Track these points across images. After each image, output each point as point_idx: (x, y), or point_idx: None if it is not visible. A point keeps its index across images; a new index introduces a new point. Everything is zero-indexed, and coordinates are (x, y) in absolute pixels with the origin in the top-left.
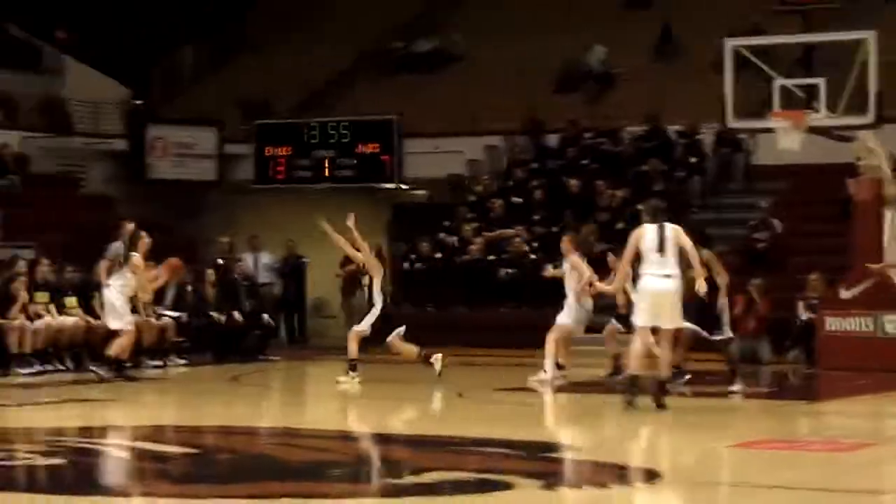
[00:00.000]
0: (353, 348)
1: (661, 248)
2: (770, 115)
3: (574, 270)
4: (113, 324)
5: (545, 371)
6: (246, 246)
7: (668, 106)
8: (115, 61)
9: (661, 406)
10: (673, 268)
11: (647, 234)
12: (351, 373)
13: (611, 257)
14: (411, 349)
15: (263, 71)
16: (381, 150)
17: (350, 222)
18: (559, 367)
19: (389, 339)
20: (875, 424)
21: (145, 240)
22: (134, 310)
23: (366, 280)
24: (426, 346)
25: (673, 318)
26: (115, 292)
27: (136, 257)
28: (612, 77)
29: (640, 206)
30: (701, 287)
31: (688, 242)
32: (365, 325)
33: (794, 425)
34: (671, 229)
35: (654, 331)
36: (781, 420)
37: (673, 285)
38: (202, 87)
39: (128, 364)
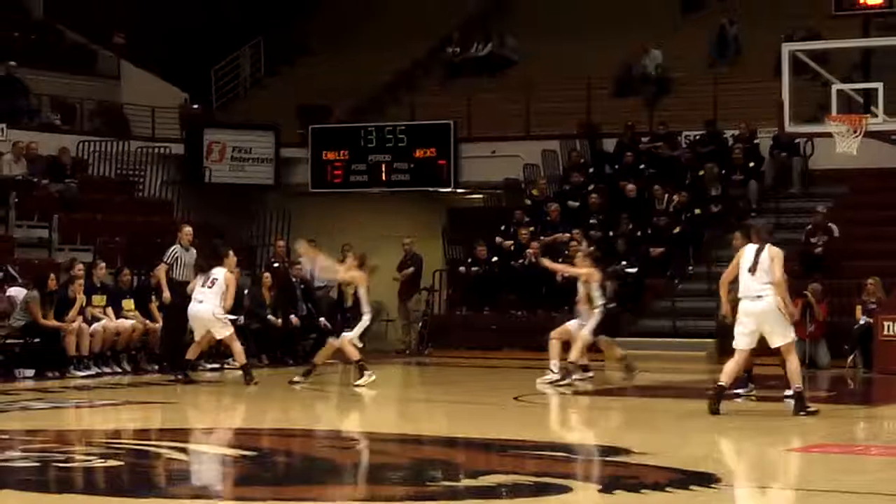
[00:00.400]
0: (351, 351)
1: (752, 269)
2: (828, 119)
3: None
4: (220, 333)
5: (553, 371)
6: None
7: (726, 110)
8: (171, 65)
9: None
10: (763, 287)
11: (745, 254)
12: (366, 373)
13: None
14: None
15: (320, 75)
16: (437, 154)
17: (302, 248)
18: (584, 368)
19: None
20: None
21: (233, 258)
22: None
23: (351, 290)
24: (485, 350)
25: (779, 336)
26: (201, 308)
27: (229, 275)
28: (669, 81)
29: (750, 222)
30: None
31: (778, 272)
32: (354, 333)
33: (853, 430)
34: (768, 252)
35: None
36: (840, 424)
37: (766, 304)
38: (259, 91)
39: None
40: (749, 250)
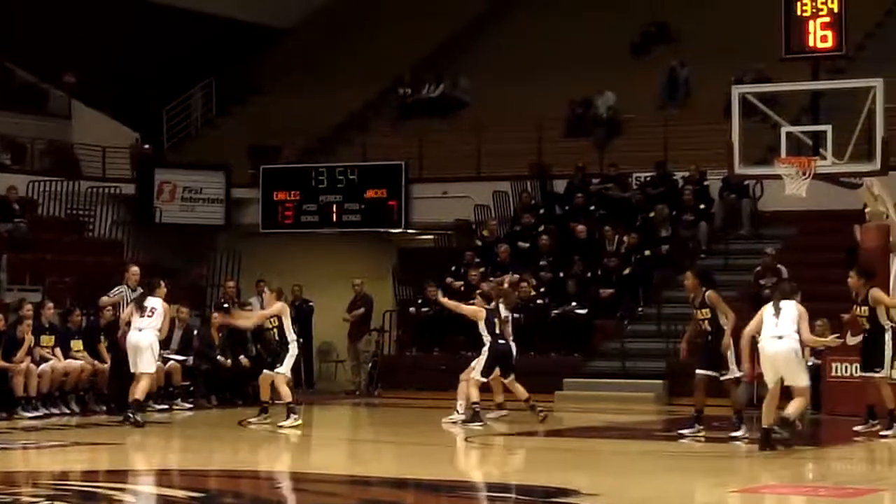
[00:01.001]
0: (285, 392)
1: (776, 314)
2: (777, 161)
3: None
4: (141, 366)
5: (458, 412)
6: (253, 290)
7: (676, 152)
8: (123, 105)
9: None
10: (785, 330)
11: (766, 311)
12: (293, 416)
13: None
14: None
15: (271, 116)
16: (388, 195)
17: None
18: (499, 406)
19: None
20: (881, 469)
21: (163, 289)
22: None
23: (275, 322)
24: (434, 391)
25: (792, 377)
26: (142, 336)
27: (164, 304)
28: (620, 123)
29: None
30: None
31: (804, 322)
32: (286, 368)
33: (802, 471)
34: (791, 306)
35: None
36: (789, 465)
37: (786, 345)
38: (211, 131)
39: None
40: (769, 309)
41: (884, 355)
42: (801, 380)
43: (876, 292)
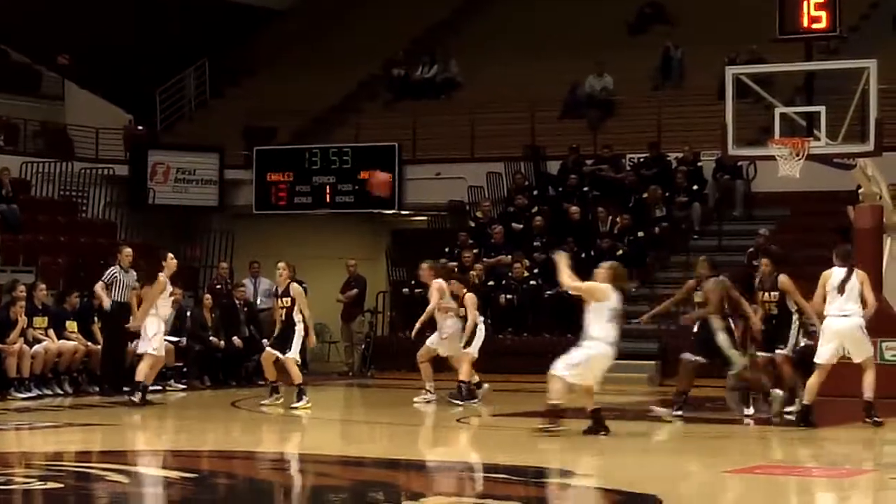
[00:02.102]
0: (295, 373)
1: (840, 290)
2: (770, 142)
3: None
4: (142, 347)
5: (429, 392)
6: (246, 271)
7: (669, 133)
8: (116, 87)
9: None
10: (852, 306)
11: (833, 276)
12: (304, 397)
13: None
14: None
15: (266, 97)
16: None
17: None
18: (478, 385)
19: None
20: (873, 451)
21: (173, 261)
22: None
23: (286, 302)
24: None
25: (860, 351)
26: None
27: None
28: (614, 104)
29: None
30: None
31: (868, 291)
32: (294, 352)
33: (795, 451)
34: (857, 275)
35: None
36: (782, 446)
37: (851, 322)
38: (204, 112)
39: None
40: (837, 273)
41: (790, 336)
42: (866, 352)
43: (785, 279)
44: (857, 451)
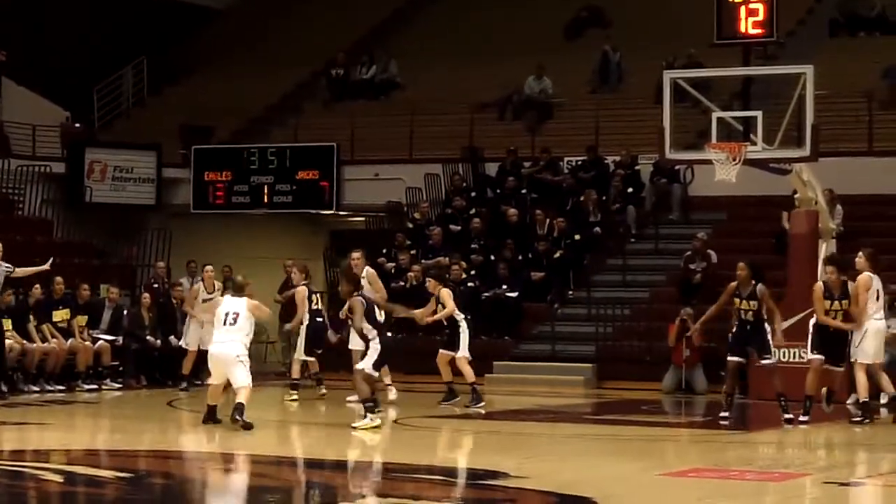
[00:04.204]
0: (295, 370)
1: (877, 297)
2: (708, 146)
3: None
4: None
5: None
6: (183, 270)
7: (607, 136)
8: (53, 83)
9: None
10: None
11: (874, 283)
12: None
13: None
14: None
15: (204, 95)
16: (320, 176)
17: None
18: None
19: None
20: (806, 454)
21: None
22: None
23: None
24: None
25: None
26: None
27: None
28: (553, 106)
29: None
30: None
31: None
32: (299, 352)
33: (729, 455)
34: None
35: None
36: (716, 449)
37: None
38: (142, 110)
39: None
40: (876, 280)
41: (768, 343)
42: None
43: (764, 289)
44: (791, 456)
